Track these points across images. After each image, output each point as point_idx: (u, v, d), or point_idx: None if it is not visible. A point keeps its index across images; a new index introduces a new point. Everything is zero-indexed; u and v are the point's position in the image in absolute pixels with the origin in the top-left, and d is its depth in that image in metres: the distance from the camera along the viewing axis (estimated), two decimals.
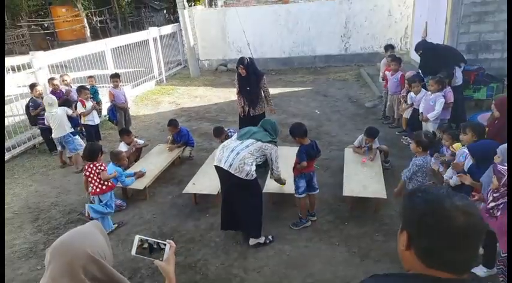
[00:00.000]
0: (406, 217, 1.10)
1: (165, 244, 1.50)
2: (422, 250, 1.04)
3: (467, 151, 3.68)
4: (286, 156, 4.84)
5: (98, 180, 4.19)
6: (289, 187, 4.64)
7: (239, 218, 3.90)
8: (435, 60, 6.06)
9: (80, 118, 6.44)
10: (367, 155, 5.22)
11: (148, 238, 1.50)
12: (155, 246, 1.50)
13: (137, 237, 1.49)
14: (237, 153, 3.60)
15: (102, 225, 3.98)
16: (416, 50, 6.55)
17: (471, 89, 6.80)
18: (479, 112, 5.97)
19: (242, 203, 3.81)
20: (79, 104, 6.33)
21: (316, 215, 4.37)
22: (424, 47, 6.43)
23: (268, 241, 3.96)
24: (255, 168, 3.71)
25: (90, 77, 7.53)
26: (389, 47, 7.60)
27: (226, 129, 5.82)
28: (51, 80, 6.75)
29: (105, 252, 1.28)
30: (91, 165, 4.20)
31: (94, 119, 6.51)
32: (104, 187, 4.21)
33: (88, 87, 6.84)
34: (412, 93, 5.93)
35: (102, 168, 4.25)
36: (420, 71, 6.52)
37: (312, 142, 4.12)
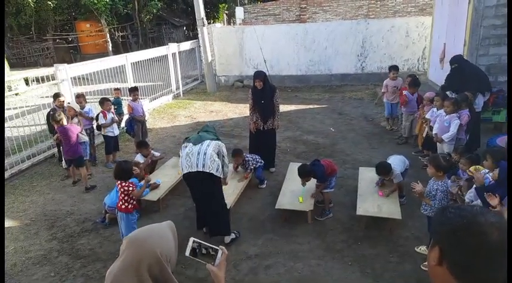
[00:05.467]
0: (438, 232, 1.09)
1: (217, 250, 1.52)
2: (456, 266, 1.03)
3: (490, 178, 3.58)
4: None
5: (124, 198, 4.08)
6: (302, 205, 4.64)
7: (210, 220, 4.24)
8: (462, 80, 5.94)
9: (101, 129, 6.63)
10: (376, 185, 4.91)
11: (201, 242, 1.52)
12: (210, 251, 1.52)
13: (191, 239, 1.52)
14: (205, 154, 3.96)
15: None
16: (452, 62, 6.35)
17: (490, 111, 6.71)
18: (498, 135, 5.86)
19: (214, 203, 4.12)
20: (100, 115, 6.49)
21: (329, 232, 4.39)
22: (460, 63, 6.19)
23: (238, 235, 4.35)
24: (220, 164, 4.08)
25: (117, 89, 7.71)
26: (392, 68, 7.59)
27: (244, 154, 5.63)
28: (78, 97, 6.79)
29: (171, 256, 1.37)
30: (122, 184, 4.06)
31: (114, 131, 6.65)
32: (130, 206, 4.08)
33: (111, 99, 7.02)
34: (434, 108, 5.86)
35: (131, 188, 4.05)
36: (445, 85, 6.46)
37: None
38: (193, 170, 3.92)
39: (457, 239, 1.02)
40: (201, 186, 4.04)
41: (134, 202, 4.13)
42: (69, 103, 6.47)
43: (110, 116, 6.56)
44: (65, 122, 5.65)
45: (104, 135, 6.69)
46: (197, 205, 4.28)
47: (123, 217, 4.10)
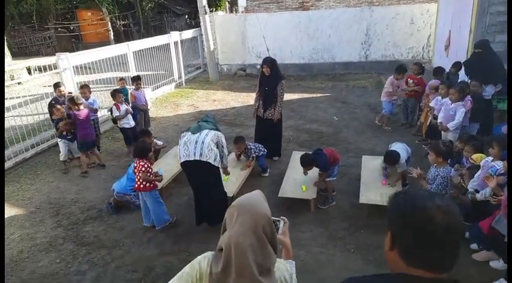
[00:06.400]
0: (389, 218, 1.13)
1: (279, 221, 1.68)
2: (404, 249, 1.06)
3: (497, 166, 3.56)
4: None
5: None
6: (304, 194, 4.65)
7: (209, 209, 4.18)
8: (478, 67, 5.87)
9: (116, 122, 6.61)
10: (384, 177, 4.83)
11: None
12: (277, 223, 1.65)
13: None
14: (202, 143, 3.93)
15: (158, 218, 4.16)
16: (476, 46, 6.23)
17: (495, 99, 6.64)
18: (503, 123, 5.81)
19: (213, 192, 4.11)
20: (114, 108, 6.43)
21: (331, 220, 4.42)
22: (483, 49, 6.06)
23: None
24: (218, 152, 4.06)
25: (122, 79, 7.62)
26: (401, 70, 7.26)
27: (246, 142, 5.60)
28: (82, 87, 6.62)
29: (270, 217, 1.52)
30: (140, 162, 4.18)
31: (129, 122, 6.55)
32: (149, 184, 4.19)
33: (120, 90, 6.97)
34: (438, 97, 5.80)
35: (145, 167, 4.17)
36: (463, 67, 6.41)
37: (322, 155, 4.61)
38: (190, 159, 3.91)
39: (404, 223, 1.06)
40: (198, 175, 4.04)
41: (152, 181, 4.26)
42: (70, 93, 6.45)
43: (123, 107, 6.45)
44: (82, 106, 5.89)
45: (120, 128, 6.60)
46: (196, 196, 4.25)
47: (147, 196, 4.22)
